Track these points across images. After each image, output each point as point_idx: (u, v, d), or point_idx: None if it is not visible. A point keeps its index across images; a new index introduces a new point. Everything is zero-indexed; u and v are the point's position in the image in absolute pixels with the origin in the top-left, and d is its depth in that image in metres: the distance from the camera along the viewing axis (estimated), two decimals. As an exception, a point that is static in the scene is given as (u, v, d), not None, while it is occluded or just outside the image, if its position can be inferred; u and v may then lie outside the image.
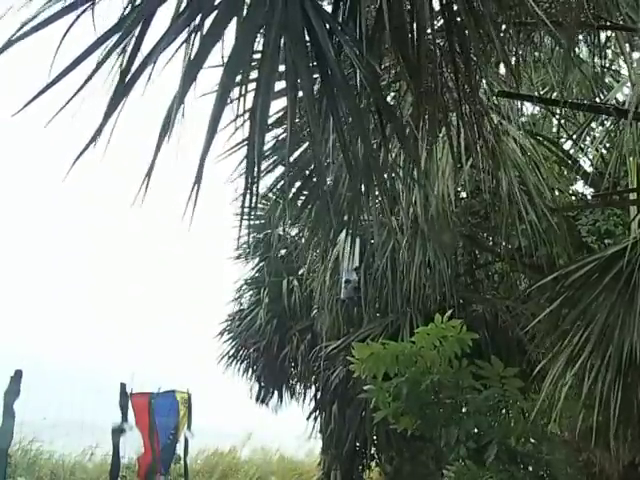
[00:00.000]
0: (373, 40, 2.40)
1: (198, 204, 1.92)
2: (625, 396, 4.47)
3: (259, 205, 11.30)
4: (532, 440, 5.70)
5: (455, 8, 2.56)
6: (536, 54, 5.47)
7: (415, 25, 2.41)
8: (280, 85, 2.28)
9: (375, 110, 2.54)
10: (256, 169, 2.07)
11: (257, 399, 12.15)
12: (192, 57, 1.95)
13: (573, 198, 8.11)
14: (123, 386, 8.95)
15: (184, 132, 1.95)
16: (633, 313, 4.53)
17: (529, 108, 7.78)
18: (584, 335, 4.75)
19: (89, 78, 1.85)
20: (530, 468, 5.66)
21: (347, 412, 9.94)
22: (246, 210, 2.12)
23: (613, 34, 5.71)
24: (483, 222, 7.99)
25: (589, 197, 8.07)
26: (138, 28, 1.92)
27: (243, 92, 2.02)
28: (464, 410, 5.97)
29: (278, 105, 2.98)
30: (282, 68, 2.17)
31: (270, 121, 2.99)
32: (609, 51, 6.71)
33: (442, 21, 2.65)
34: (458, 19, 2.58)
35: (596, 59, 5.88)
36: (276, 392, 12.18)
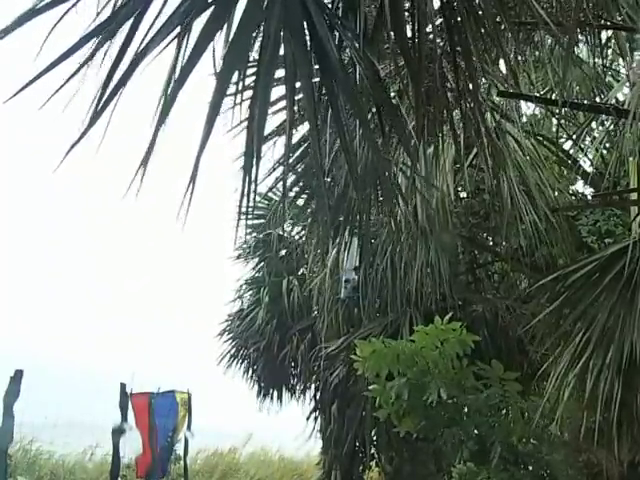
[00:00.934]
0: (373, 38, 2.39)
1: (198, 204, 1.92)
2: (626, 396, 4.47)
3: (260, 205, 11.36)
4: (532, 441, 5.70)
5: (455, 7, 2.55)
6: (536, 54, 5.47)
7: (415, 24, 2.41)
8: (279, 91, 2.28)
9: (375, 109, 2.54)
10: (254, 171, 2.06)
11: (257, 399, 12.16)
12: (188, 51, 1.93)
13: (573, 198, 8.10)
14: (123, 386, 8.93)
15: (186, 130, 1.94)
16: (634, 313, 4.53)
17: (529, 108, 7.79)
18: (585, 335, 4.75)
19: (82, 65, 1.84)
20: (530, 468, 5.66)
21: (347, 412, 9.94)
22: (243, 211, 2.11)
23: (613, 34, 5.71)
24: (483, 222, 7.99)
25: (589, 197, 8.07)
26: (131, 20, 1.91)
27: (241, 93, 2.01)
28: (465, 411, 5.97)
29: (278, 106, 2.96)
30: (282, 69, 2.16)
31: (269, 126, 2.97)
32: (609, 51, 6.71)
33: (442, 20, 2.65)
34: (458, 18, 2.58)
35: (596, 59, 5.87)
36: (276, 392, 12.18)
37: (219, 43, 1.98)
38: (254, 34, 2.06)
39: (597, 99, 6.79)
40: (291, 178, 3.95)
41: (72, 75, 1.83)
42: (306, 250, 9.62)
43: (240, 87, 2.03)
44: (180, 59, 1.94)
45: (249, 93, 2.07)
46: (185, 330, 18.93)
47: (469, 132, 3.50)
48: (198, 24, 1.98)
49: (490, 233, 8.53)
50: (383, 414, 6.05)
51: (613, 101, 6.32)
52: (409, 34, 2.45)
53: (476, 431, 5.72)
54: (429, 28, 2.51)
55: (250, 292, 12.45)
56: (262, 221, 11.36)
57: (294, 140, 3.42)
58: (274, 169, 3.63)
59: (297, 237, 11.58)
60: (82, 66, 1.84)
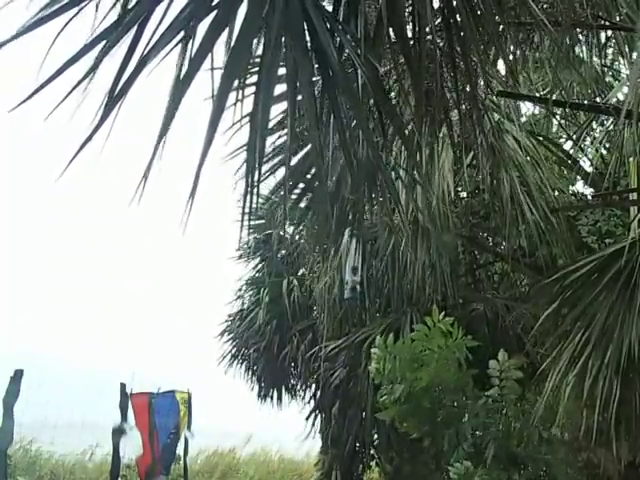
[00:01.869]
0: (374, 39, 2.40)
1: (198, 205, 1.92)
2: (625, 395, 4.47)
3: (260, 205, 11.36)
4: (532, 441, 5.70)
5: (454, 6, 2.56)
6: (536, 54, 5.48)
7: (416, 24, 2.41)
8: (281, 88, 2.28)
9: (376, 110, 2.54)
10: (257, 172, 2.07)
11: (257, 399, 12.17)
12: (190, 57, 1.94)
13: (573, 198, 8.11)
14: (123, 386, 8.93)
15: (185, 130, 1.95)
16: (632, 312, 4.54)
17: (529, 108, 7.80)
18: (584, 335, 4.76)
19: (91, 71, 1.84)
20: (530, 468, 5.66)
21: (348, 412, 9.94)
22: (246, 212, 2.12)
23: (613, 34, 5.72)
24: (483, 222, 8.00)
25: (589, 197, 8.08)
26: (135, 27, 1.92)
27: (242, 95, 2.02)
28: (464, 413, 5.97)
29: (279, 108, 2.98)
30: (282, 71, 2.17)
31: (271, 124, 2.98)
32: (609, 51, 6.72)
33: (441, 20, 2.65)
34: (458, 18, 2.58)
35: (596, 59, 5.88)
36: (276, 392, 12.19)
37: (220, 46, 1.99)
38: (255, 39, 2.07)
39: (597, 99, 6.79)
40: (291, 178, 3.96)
41: (79, 82, 1.83)
42: (306, 250, 9.63)
43: (241, 88, 2.04)
44: (184, 63, 1.95)
45: (249, 91, 2.08)
46: (185, 330, 18.92)
47: (468, 132, 3.51)
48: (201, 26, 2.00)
49: (490, 233, 8.54)
50: (389, 414, 6.03)
51: (614, 100, 6.32)
52: (409, 34, 2.46)
53: (476, 432, 5.72)
54: (428, 28, 2.51)
55: (250, 292, 12.46)
56: (262, 221, 11.37)
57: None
58: (275, 170, 3.63)
59: (297, 237, 11.59)
60: (90, 72, 1.84)
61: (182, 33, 1.95)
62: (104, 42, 1.87)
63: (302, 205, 3.80)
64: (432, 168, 5.06)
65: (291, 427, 12.20)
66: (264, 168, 3.40)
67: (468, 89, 2.92)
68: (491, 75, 4.08)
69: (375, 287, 8.78)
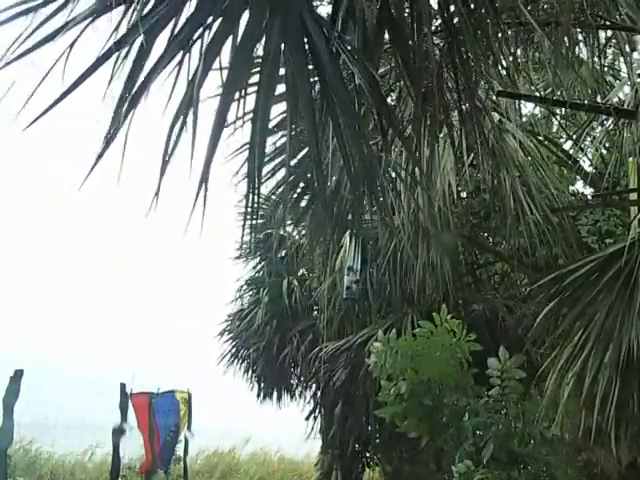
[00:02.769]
0: (374, 42, 2.40)
1: (198, 205, 1.93)
2: (624, 395, 4.47)
3: (261, 205, 11.35)
4: (532, 441, 5.70)
5: (453, 9, 2.56)
6: (537, 54, 5.48)
7: (415, 26, 2.42)
8: (281, 88, 2.29)
9: (376, 113, 2.54)
10: (257, 173, 2.08)
11: (257, 399, 12.16)
12: (196, 69, 1.96)
13: (573, 198, 8.11)
14: (123, 386, 8.94)
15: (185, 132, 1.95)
16: (632, 312, 4.53)
17: (530, 108, 7.80)
18: (584, 335, 4.76)
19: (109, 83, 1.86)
20: (530, 468, 5.66)
21: (348, 413, 9.94)
22: (249, 211, 2.13)
23: (613, 34, 5.72)
24: (484, 222, 7.99)
25: (589, 197, 8.08)
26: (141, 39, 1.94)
27: (244, 96, 2.03)
28: (465, 413, 5.97)
29: (279, 109, 2.98)
30: (282, 71, 2.18)
31: (271, 124, 2.98)
32: (609, 51, 6.71)
33: (441, 21, 2.65)
34: (456, 19, 2.58)
35: (596, 59, 5.88)
36: (276, 392, 12.18)
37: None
38: (255, 50, 2.09)
39: (597, 99, 6.79)
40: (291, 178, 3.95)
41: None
42: (306, 251, 9.62)
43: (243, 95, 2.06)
44: (191, 73, 1.97)
45: (250, 90, 2.09)
46: (185, 330, 18.93)
47: (468, 132, 3.51)
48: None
49: (491, 233, 8.54)
50: (390, 411, 6.02)
51: (614, 100, 6.32)
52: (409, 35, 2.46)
53: (477, 432, 5.72)
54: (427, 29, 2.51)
55: (250, 292, 12.45)
56: (262, 221, 11.35)
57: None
58: (275, 171, 3.63)
59: (297, 237, 11.58)
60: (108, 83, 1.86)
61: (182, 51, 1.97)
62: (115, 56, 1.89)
63: (302, 205, 3.80)
64: (433, 168, 5.06)
65: (291, 427, 12.21)
66: (265, 168, 3.40)
67: (468, 89, 2.92)
68: (491, 75, 4.08)
69: (376, 288, 8.77)
